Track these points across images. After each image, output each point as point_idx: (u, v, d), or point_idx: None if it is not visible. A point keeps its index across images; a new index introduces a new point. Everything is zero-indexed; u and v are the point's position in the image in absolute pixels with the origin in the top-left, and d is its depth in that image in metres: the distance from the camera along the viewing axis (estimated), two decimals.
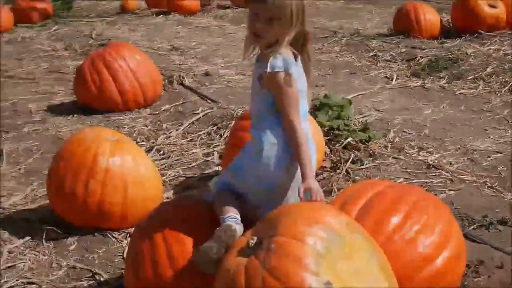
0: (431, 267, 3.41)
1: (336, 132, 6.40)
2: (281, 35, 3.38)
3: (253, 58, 3.58)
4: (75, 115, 8.00)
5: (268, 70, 3.35)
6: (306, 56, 3.55)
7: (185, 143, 6.83)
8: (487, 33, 11.00)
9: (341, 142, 6.27)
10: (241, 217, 3.40)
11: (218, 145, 6.66)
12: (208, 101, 8.30)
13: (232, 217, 3.33)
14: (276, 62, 3.34)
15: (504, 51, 9.91)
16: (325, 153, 5.96)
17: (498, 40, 10.62)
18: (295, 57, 3.48)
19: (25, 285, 4.34)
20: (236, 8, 16.48)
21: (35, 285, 4.34)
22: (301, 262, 2.79)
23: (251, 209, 3.50)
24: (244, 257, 2.98)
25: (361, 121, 7.06)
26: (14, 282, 4.35)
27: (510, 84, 8.34)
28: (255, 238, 3.01)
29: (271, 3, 3.32)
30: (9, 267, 4.54)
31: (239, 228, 3.27)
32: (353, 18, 14.52)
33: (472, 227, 4.68)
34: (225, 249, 3.15)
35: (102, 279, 4.37)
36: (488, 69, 8.96)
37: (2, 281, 4.36)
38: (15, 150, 6.85)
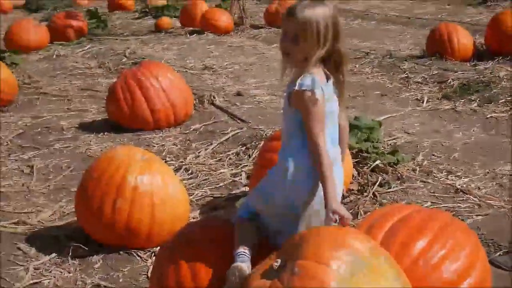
0: None
1: (365, 154, 6.39)
2: (309, 54, 3.36)
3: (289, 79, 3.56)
4: (105, 133, 8.08)
5: (296, 88, 3.34)
6: (340, 77, 3.52)
7: (213, 162, 6.86)
8: None
9: (369, 165, 6.26)
10: (263, 240, 3.42)
11: (247, 165, 6.67)
12: (238, 121, 8.34)
13: (241, 254, 3.34)
14: (305, 81, 3.33)
15: None
16: (353, 175, 5.96)
17: None
18: (327, 78, 3.47)
19: None
20: (269, 28, 16.46)
21: None
22: (325, 285, 2.79)
23: (274, 231, 3.50)
24: (268, 279, 2.98)
25: (390, 144, 7.04)
26: None
27: None
28: (279, 260, 3.01)
29: (296, 22, 3.33)
30: (34, 283, 4.57)
31: (246, 265, 3.28)
32: (386, 39, 14.46)
33: (499, 253, 4.65)
34: None
35: None
36: None
37: None
38: (45, 167, 6.93)
